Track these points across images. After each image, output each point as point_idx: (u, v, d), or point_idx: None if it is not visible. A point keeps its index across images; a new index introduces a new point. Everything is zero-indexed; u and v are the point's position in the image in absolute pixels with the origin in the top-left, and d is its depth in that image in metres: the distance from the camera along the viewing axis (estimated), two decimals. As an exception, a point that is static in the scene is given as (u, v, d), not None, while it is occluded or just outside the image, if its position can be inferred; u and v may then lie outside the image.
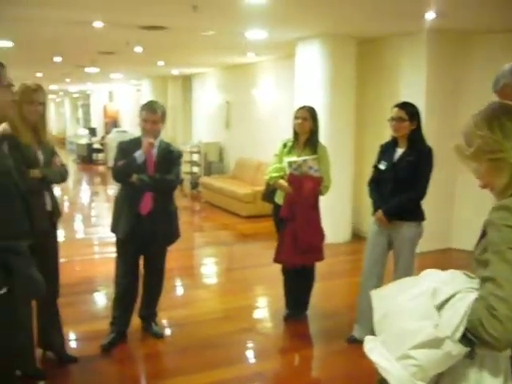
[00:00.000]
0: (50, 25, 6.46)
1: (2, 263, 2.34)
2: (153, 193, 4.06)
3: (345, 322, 4.67)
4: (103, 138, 19.51)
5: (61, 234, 8.60)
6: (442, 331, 1.54)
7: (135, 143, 4.09)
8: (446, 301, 1.60)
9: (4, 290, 2.35)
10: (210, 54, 9.50)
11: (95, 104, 23.92)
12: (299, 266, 4.55)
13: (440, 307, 1.60)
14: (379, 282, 4.15)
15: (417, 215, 4.06)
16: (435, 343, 1.56)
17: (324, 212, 4.60)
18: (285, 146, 4.56)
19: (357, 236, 7.70)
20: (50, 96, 28.92)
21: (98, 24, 6.22)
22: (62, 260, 6.73)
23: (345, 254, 7.06)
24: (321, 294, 5.20)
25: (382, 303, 1.97)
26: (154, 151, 4.09)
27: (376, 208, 4.09)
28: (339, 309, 5.10)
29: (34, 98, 3.49)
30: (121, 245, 4.17)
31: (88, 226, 9.37)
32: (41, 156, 3.59)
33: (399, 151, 4.02)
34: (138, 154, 4.00)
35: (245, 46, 8.21)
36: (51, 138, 3.77)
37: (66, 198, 12.60)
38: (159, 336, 4.36)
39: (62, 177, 3.74)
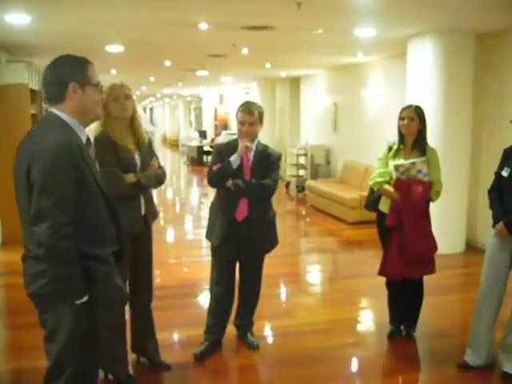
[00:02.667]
0: (156, 28, 6.54)
1: (85, 271, 2.26)
2: (249, 198, 3.89)
3: (457, 344, 4.23)
4: (213, 140, 19.89)
5: (171, 234, 8.80)
6: None
7: (232, 146, 3.94)
8: None
9: (86, 298, 2.27)
10: (317, 54, 9.25)
11: (206, 107, 24.53)
12: (406, 279, 4.18)
13: None
14: (499, 303, 3.69)
15: (544, 229, 3.55)
16: None
17: (435, 220, 4.19)
18: (390, 149, 4.21)
19: (471, 247, 7.10)
20: (165, 99, 30.11)
21: (203, 26, 6.19)
22: (171, 261, 6.91)
23: (458, 266, 6.50)
24: (430, 311, 4.76)
25: None
26: (251, 155, 3.91)
27: (497, 220, 3.63)
28: (451, 329, 4.64)
29: (118, 93, 3.42)
30: (216, 252, 4.04)
31: (197, 227, 9.36)
32: (138, 158, 3.52)
33: None
34: (234, 158, 3.83)
35: (354, 45, 7.87)
36: (147, 138, 3.64)
37: (177, 198, 12.93)
38: (255, 347, 4.17)
39: (158, 180, 3.64)
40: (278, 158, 4.02)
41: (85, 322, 2.34)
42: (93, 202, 2.34)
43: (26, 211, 2.24)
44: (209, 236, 4.05)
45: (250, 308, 4.25)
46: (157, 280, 5.79)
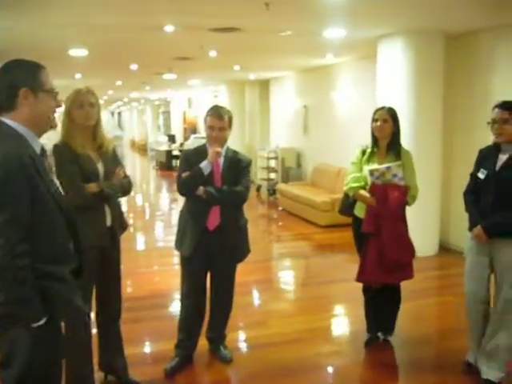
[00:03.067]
0: (120, 31, 6.34)
1: (41, 291, 2.09)
2: (221, 206, 3.73)
3: (435, 349, 4.15)
4: (182, 144, 19.64)
5: (141, 241, 8.55)
6: None
7: (200, 152, 3.77)
8: None
9: (43, 321, 2.10)
10: (286, 56, 9.15)
11: (175, 111, 24.29)
12: (384, 285, 4.07)
13: None
14: (485, 306, 3.63)
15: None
16: None
17: (409, 223, 4.09)
18: (363, 152, 4.09)
19: (445, 248, 7.07)
20: (133, 104, 29.74)
21: (169, 28, 6.01)
22: (141, 270, 6.67)
23: (432, 269, 6.44)
24: (407, 316, 4.65)
25: None
26: (221, 161, 3.75)
27: (474, 223, 3.54)
28: (428, 334, 4.55)
29: (83, 100, 3.21)
30: (186, 263, 3.84)
31: (168, 234, 9.07)
32: (101, 167, 3.33)
33: (502, 158, 3.44)
34: (204, 165, 3.66)
35: (323, 47, 7.78)
36: (111, 146, 3.44)
37: (146, 204, 12.67)
38: (228, 360, 4.00)
39: (123, 190, 3.42)
40: (249, 163, 3.87)
41: (43, 345, 2.16)
42: (48, 216, 2.15)
43: None
44: (179, 246, 3.86)
45: (222, 320, 4.08)
46: (127, 290, 5.60)
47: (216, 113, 3.69)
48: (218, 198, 3.68)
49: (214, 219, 3.74)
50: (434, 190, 6.80)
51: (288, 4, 5.04)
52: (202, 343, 4.08)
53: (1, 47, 7.24)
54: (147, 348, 4.38)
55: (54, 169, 3.06)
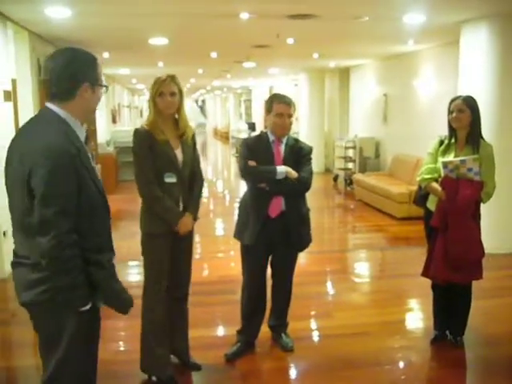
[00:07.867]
0: (196, 18, 6.39)
1: (87, 277, 2.16)
2: (283, 195, 3.71)
3: (508, 351, 3.92)
4: (261, 132, 19.68)
5: (219, 227, 8.69)
6: None
7: (261, 139, 3.82)
8: None
9: (89, 305, 2.20)
10: (365, 43, 8.92)
11: (256, 99, 24.39)
12: (452, 283, 3.89)
13: None
14: None
15: None
16: None
17: (488, 217, 3.86)
18: (441, 143, 3.92)
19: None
20: (216, 92, 30.16)
21: (244, 15, 6.01)
22: (219, 255, 6.77)
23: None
24: (481, 315, 4.45)
25: None
26: (282, 149, 3.73)
27: None
28: (504, 335, 4.30)
29: (163, 89, 3.29)
30: (247, 251, 3.85)
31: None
32: (180, 154, 3.38)
33: None
34: (281, 170, 3.62)
35: (403, 33, 7.51)
36: (191, 133, 3.48)
37: (226, 191, 12.87)
38: (289, 349, 3.98)
39: (200, 197, 3.58)
40: (310, 151, 3.82)
41: (87, 327, 2.27)
42: (93, 205, 2.21)
43: (23, 218, 2.14)
44: (240, 235, 3.85)
45: (283, 308, 4.06)
46: (202, 274, 5.84)
47: (284, 100, 3.68)
48: (280, 189, 3.66)
49: (275, 207, 3.72)
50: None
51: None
52: (265, 330, 4.09)
53: (85, 36, 7.53)
54: (211, 332, 4.43)
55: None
